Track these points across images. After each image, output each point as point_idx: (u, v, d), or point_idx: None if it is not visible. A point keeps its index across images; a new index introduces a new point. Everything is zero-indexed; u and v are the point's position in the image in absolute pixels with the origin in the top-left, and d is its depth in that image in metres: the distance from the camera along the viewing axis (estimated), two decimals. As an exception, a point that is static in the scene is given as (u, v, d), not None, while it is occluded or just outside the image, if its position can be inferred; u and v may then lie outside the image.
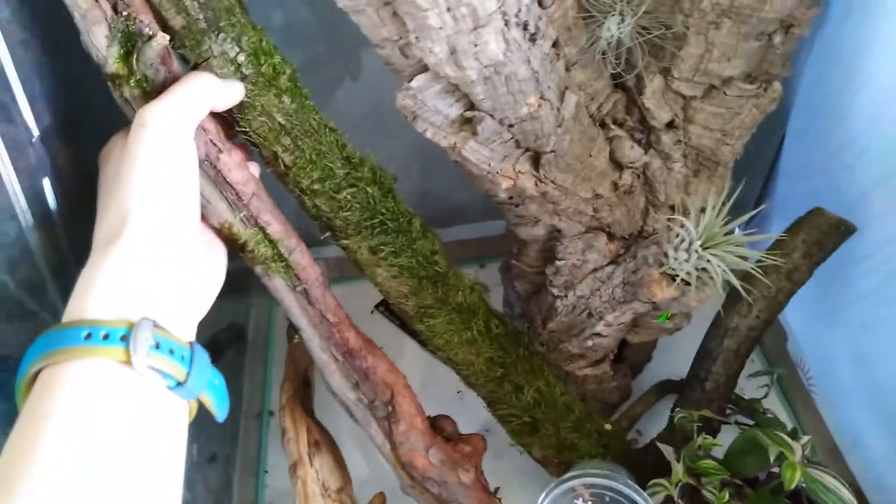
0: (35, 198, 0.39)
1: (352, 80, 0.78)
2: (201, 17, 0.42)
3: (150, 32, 0.39)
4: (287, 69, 0.48)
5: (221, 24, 0.43)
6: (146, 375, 0.31)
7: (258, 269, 0.52)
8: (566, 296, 0.64)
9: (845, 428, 0.76)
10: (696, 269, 0.51)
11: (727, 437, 0.62)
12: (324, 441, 0.65)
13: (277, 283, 0.53)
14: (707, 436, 0.61)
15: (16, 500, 0.27)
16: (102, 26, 0.38)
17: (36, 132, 0.39)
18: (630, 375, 0.80)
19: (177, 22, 0.42)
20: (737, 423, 0.68)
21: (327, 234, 0.60)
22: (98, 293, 0.32)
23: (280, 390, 0.70)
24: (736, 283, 0.51)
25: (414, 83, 0.47)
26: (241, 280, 0.89)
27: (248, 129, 0.48)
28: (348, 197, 0.55)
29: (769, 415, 0.69)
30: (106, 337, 0.30)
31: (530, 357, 0.65)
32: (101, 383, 0.30)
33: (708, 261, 0.50)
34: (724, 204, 0.51)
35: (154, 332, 0.31)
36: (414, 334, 0.88)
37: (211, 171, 0.45)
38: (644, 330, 0.69)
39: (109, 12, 0.38)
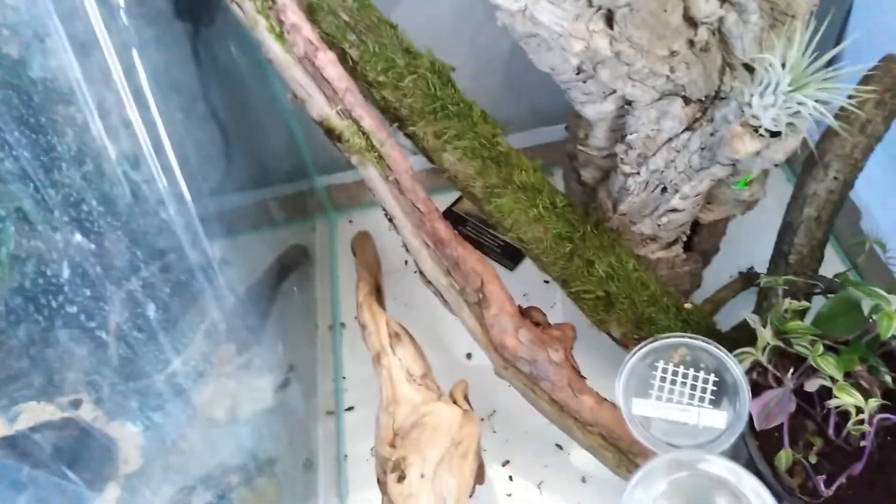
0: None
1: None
2: None
3: None
4: None
5: None
6: None
7: (354, 159, 0.56)
8: (639, 172, 0.63)
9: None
10: (785, 112, 0.49)
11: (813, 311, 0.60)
12: (403, 333, 0.66)
13: (371, 173, 0.57)
14: (793, 300, 0.60)
15: None
16: None
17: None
18: (700, 262, 0.79)
19: None
20: (824, 292, 0.66)
21: (395, 124, 0.62)
22: None
23: (355, 290, 0.71)
24: (833, 122, 0.48)
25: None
26: (302, 204, 0.91)
27: (320, 30, 0.54)
28: (410, 85, 0.60)
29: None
30: None
31: (600, 234, 0.65)
32: None
33: (799, 102, 0.48)
34: (809, 41, 0.49)
35: None
36: (478, 244, 0.88)
37: (310, 67, 0.51)
38: (718, 206, 0.68)
39: None
